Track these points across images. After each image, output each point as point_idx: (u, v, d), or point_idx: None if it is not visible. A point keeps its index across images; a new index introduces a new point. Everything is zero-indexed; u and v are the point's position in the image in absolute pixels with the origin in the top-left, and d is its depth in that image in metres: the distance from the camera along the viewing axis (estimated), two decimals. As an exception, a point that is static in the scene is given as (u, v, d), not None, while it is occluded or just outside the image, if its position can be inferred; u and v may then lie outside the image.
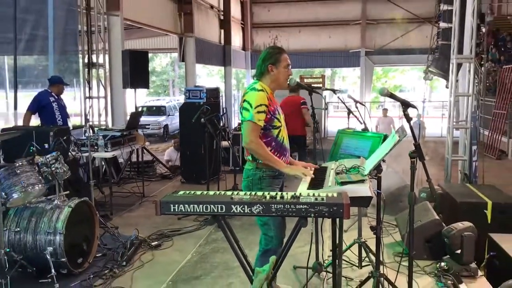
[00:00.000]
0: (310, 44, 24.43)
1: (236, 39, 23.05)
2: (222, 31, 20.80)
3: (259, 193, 2.65)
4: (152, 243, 5.01)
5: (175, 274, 4.36)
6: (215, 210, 2.52)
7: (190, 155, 7.92)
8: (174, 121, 19.95)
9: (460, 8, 7.00)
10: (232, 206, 2.51)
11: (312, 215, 2.45)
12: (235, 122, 17.24)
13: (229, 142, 7.97)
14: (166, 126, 19.83)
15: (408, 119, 2.99)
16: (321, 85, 16.28)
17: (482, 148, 11.75)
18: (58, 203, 4.22)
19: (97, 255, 4.55)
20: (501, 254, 4.30)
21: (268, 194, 2.61)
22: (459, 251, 4.20)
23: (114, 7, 9.88)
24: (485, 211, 5.03)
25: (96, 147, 5.95)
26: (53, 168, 4.27)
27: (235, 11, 22.87)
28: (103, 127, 8.11)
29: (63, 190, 4.41)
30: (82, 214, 4.39)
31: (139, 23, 12.91)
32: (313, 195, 2.57)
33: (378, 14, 23.71)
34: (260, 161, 3.22)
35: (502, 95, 14.55)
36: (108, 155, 6.10)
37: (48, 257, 3.87)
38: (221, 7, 20.77)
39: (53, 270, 3.81)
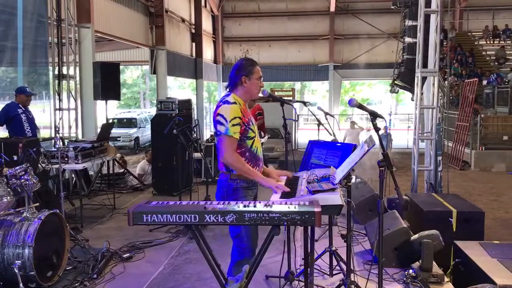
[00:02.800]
0: (280, 58, 24.79)
1: (208, 52, 23.16)
2: (194, 44, 20.90)
3: (232, 202, 2.69)
4: (124, 255, 4.94)
5: (147, 286, 4.33)
6: (189, 220, 2.55)
7: (162, 167, 7.88)
8: (145, 133, 19.79)
9: (424, 24, 7.28)
10: (206, 215, 2.54)
11: (285, 223, 2.51)
12: (207, 134, 17.25)
13: (202, 153, 7.97)
14: (137, 138, 19.66)
15: (377, 129, 3.10)
16: (291, 98, 16.55)
17: (446, 159, 12.12)
18: (28, 215, 4.14)
19: (67, 268, 4.47)
20: (466, 260, 4.47)
21: (241, 203, 2.66)
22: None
23: (85, 19, 9.85)
24: (450, 219, 5.20)
25: (66, 159, 5.87)
26: (22, 180, 4.20)
27: (207, 25, 23.01)
28: (74, 139, 8.01)
29: (33, 202, 4.33)
30: (52, 226, 4.31)
31: (110, 36, 12.87)
32: (286, 203, 2.64)
33: (346, 29, 24.31)
34: (234, 172, 3.25)
35: (465, 108, 15.07)
36: (79, 167, 6.03)
37: (16, 271, 3.78)
38: (193, 21, 20.88)
39: (21, 284, 3.72)
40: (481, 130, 14.64)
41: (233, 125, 3.15)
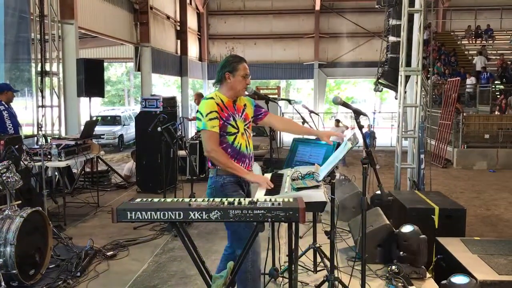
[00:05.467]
0: (265, 56, 24.82)
1: (193, 50, 23.08)
2: (179, 41, 20.82)
3: (217, 199, 2.70)
4: (107, 253, 4.90)
5: (131, 283, 4.31)
6: (173, 217, 2.54)
7: (146, 164, 7.83)
8: (129, 131, 19.65)
9: (408, 23, 7.35)
10: (190, 212, 2.53)
11: (269, 219, 2.52)
12: (191, 131, 17.19)
13: (186, 151, 7.94)
14: (121, 136, 19.50)
15: (360, 127, 3.13)
16: (276, 96, 16.58)
17: (429, 157, 12.28)
18: (9, 213, 4.08)
19: (50, 266, 4.42)
20: (447, 256, 4.54)
21: (226, 200, 2.67)
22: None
23: (68, 15, 9.75)
24: (432, 216, 5.27)
25: (49, 156, 5.80)
26: (4, 178, 4.14)
27: (192, 22, 22.93)
28: (57, 136, 7.91)
29: (15, 199, 4.28)
30: (34, 224, 4.26)
31: (94, 32, 12.75)
32: (270, 200, 2.65)
33: (331, 28, 24.44)
34: (219, 168, 3.25)
35: (447, 107, 15.27)
36: (62, 164, 5.95)
37: (-2, 269, 3.76)
38: (178, 18, 20.79)
39: (3, 283, 3.69)
40: (463, 129, 14.86)
41: (210, 119, 3.19)
